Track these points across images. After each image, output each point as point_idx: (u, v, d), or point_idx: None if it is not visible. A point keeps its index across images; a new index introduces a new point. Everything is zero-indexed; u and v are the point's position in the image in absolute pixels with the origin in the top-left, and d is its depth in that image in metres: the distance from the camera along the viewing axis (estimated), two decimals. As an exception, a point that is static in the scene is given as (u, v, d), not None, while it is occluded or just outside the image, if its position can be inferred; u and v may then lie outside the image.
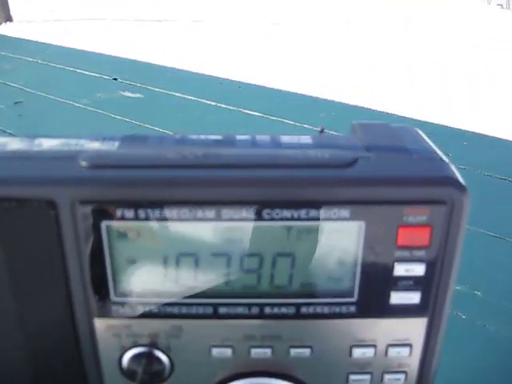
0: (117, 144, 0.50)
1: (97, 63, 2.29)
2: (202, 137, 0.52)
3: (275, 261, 0.48)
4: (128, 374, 0.52)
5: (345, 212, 0.46)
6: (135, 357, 0.51)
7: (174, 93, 1.92)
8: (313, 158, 0.48)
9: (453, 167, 0.47)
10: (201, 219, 0.46)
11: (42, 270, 0.48)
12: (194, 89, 1.94)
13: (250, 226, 0.46)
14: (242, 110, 1.76)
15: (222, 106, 1.79)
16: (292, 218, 0.46)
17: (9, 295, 0.49)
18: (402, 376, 0.53)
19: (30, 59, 2.35)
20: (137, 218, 0.46)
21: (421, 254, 0.47)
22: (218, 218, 0.46)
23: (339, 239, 0.47)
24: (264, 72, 6.94)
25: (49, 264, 0.48)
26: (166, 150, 0.49)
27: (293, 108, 1.82)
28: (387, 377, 0.53)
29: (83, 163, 0.47)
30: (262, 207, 0.45)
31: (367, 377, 0.53)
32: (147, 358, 0.51)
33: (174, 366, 0.52)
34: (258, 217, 0.46)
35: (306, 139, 0.52)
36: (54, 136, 0.52)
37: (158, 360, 0.51)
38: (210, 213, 0.46)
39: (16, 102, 1.83)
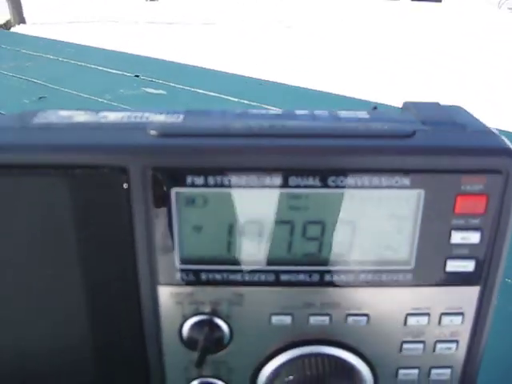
0: (181, 117, 0.52)
1: (117, 61, 2.32)
2: (263, 111, 0.54)
3: (337, 228, 0.49)
4: (188, 342, 0.54)
5: (405, 180, 0.47)
6: (196, 325, 0.53)
7: (196, 89, 1.94)
8: (373, 129, 0.49)
9: (506, 140, 0.49)
10: (268, 186, 0.47)
11: (110, 236, 0.50)
12: (215, 85, 1.96)
13: (315, 193, 0.48)
14: (263, 105, 1.78)
15: (245, 101, 1.81)
16: (356, 186, 0.47)
17: (75, 261, 0.51)
18: (453, 345, 0.54)
19: (51, 57, 2.38)
20: (206, 184, 0.47)
21: (476, 222, 0.49)
22: (285, 185, 0.47)
23: (399, 207, 0.49)
24: (281, 70, 7.01)
25: (117, 230, 0.50)
26: (231, 121, 0.50)
27: (310, 102, 1.84)
28: (439, 346, 0.54)
29: (153, 132, 0.48)
30: (328, 175, 0.47)
31: (420, 346, 0.54)
32: (208, 326, 0.53)
33: (233, 334, 0.54)
34: (324, 184, 0.47)
35: (363, 114, 0.54)
36: (117, 110, 0.54)
37: (218, 328, 0.53)
38: (277, 180, 0.47)
39: (40, 97, 1.86)
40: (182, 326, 0.53)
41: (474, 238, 0.49)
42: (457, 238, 0.49)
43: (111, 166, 0.47)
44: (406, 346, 0.54)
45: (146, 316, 0.53)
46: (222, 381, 0.56)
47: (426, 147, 0.47)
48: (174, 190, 0.48)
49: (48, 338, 0.54)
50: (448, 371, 0.55)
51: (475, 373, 0.56)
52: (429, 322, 0.53)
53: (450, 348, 0.54)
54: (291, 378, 0.52)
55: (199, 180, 0.47)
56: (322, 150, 0.47)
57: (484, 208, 0.48)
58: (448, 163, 0.47)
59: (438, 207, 0.48)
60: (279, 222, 0.49)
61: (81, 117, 0.53)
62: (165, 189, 0.48)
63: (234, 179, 0.47)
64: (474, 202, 0.48)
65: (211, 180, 0.47)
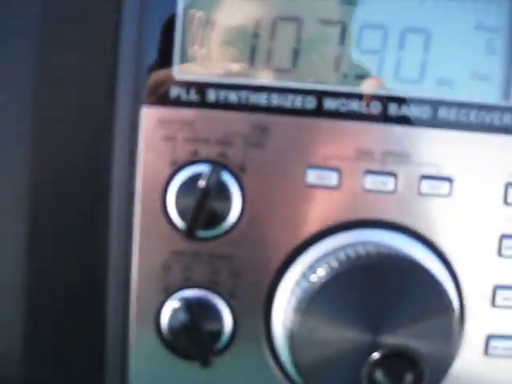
0: None
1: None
2: None
3: (404, 38, 0.35)
4: (178, 210, 0.35)
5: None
6: (190, 182, 0.35)
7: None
8: None
9: None
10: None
11: (90, 17, 0.35)
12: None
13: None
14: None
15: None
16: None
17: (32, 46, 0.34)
18: None
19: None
20: None
21: None
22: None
23: (488, 11, 0.36)
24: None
25: (101, 10, 0.35)
26: None
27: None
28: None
29: None
30: None
31: None
32: (207, 185, 0.34)
33: (247, 203, 0.35)
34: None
35: None
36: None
37: (224, 189, 0.35)
38: None
39: None
40: (168, 182, 0.34)
41: None
42: None
43: None
44: (507, 242, 0.35)
45: (115, 163, 0.35)
46: (220, 296, 0.35)
47: None
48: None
49: None
50: None
51: None
52: None
53: None
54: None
55: None
56: None
57: None
58: None
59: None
60: (325, 21, 0.35)
61: None
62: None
63: None
64: None
65: None
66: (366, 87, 0.35)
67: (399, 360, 0.32)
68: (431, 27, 0.36)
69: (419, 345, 0.33)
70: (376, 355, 0.32)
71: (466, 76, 0.36)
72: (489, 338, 0.36)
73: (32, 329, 0.36)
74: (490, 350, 0.37)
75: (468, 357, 0.37)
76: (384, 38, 0.36)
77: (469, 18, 0.36)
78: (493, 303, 0.36)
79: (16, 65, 0.35)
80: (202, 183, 0.33)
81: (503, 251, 0.36)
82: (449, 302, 0.33)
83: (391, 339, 0.32)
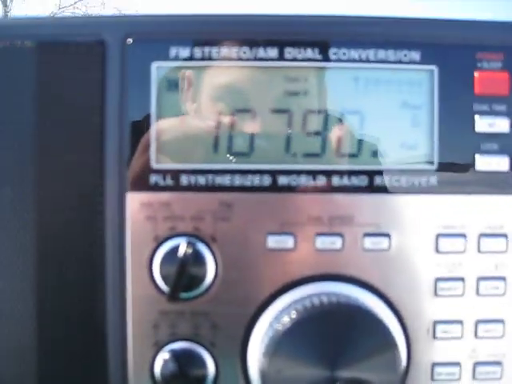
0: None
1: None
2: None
3: (342, 120, 0.43)
4: (163, 276, 0.41)
5: (415, 54, 0.43)
6: (170, 254, 0.41)
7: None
8: None
9: None
10: (262, 59, 0.42)
11: (77, 121, 0.42)
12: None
13: (314, 69, 0.42)
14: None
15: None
16: (360, 60, 0.42)
17: (32, 148, 0.42)
18: (500, 283, 0.43)
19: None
20: (192, 57, 0.42)
21: (502, 106, 0.43)
22: (281, 58, 0.42)
23: (411, 93, 0.43)
24: None
25: (86, 113, 0.42)
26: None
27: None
28: (483, 284, 0.43)
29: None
30: (328, 45, 0.42)
31: (458, 284, 0.42)
32: (185, 256, 0.41)
33: (219, 268, 0.42)
34: (324, 57, 0.42)
35: None
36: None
37: (199, 257, 0.42)
38: (273, 51, 0.42)
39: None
40: (153, 254, 0.42)
41: (502, 125, 0.42)
42: (483, 124, 0.42)
43: (88, 38, 0.42)
44: (441, 284, 0.42)
45: (108, 241, 0.42)
46: (203, 346, 0.42)
47: (437, 19, 0.43)
48: (155, 65, 0.42)
49: None
50: (499, 326, 0.42)
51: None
52: (465, 248, 0.42)
53: (496, 288, 0.42)
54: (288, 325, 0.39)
55: (184, 52, 0.42)
56: (321, 19, 0.43)
57: (507, 88, 0.42)
58: (462, 35, 0.43)
59: (454, 87, 0.42)
60: (275, 110, 0.42)
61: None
62: (144, 62, 0.42)
63: (224, 50, 0.42)
64: (494, 80, 0.42)
65: (198, 52, 0.42)
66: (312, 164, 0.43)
67: (354, 391, 0.39)
68: (364, 109, 0.43)
69: (370, 376, 0.39)
70: None
71: (396, 147, 0.43)
72: (433, 365, 0.43)
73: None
74: (435, 376, 0.43)
75: (417, 383, 0.43)
76: (325, 120, 0.43)
77: (395, 98, 0.43)
78: (434, 336, 0.43)
79: (19, 165, 0.42)
80: (180, 254, 0.40)
81: (438, 292, 0.43)
82: (392, 340, 0.40)
83: (346, 373, 0.39)
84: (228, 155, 0.42)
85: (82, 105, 0.42)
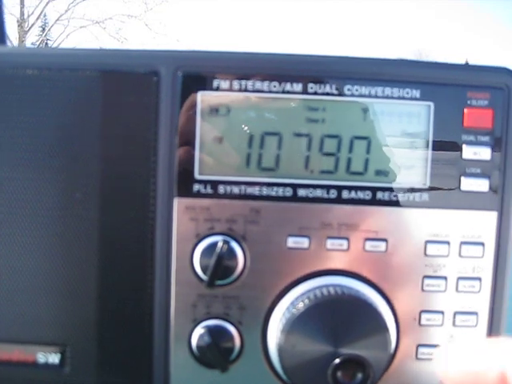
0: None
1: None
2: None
3: (352, 144, 0.52)
4: (201, 267, 0.51)
5: (416, 92, 0.51)
6: (209, 248, 0.51)
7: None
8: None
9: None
10: (289, 92, 0.51)
11: (133, 137, 0.51)
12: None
13: (331, 102, 0.51)
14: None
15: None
16: (369, 95, 0.51)
17: (97, 159, 0.51)
18: (476, 283, 0.52)
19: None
20: (231, 88, 0.51)
21: (486, 137, 0.52)
22: (304, 92, 0.51)
23: (411, 123, 0.52)
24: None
25: (141, 132, 0.51)
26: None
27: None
28: (462, 283, 0.52)
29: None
30: (344, 83, 0.51)
31: (442, 282, 0.52)
32: (221, 251, 0.51)
33: (247, 261, 0.51)
34: (340, 92, 0.51)
35: None
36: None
37: (232, 252, 0.51)
38: (298, 86, 0.51)
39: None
40: (194, 248, 0.51)
41: (485, 153, 0.51)
42: (469, 152, 0.51)
43: (144, 68, 0.51)
44: (427, 281, 0.52)
45: (158, 236, 0.51)
46: (231, 323, 0.52)
47: (436, 62, 0.52)
48: (200, 93, 0.51)
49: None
50: (473, 317, 0.52)
51: (502, 318, 0.52)
52: (449, 253, 0.52)
53: (473, 286, 0.52)
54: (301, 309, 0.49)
55: (225, 84, 0.51)
56: (339, 60, 0.52)
57: (491, 122, 0.51)
58: (455, 77, 0.51)
59: (447, 120, 0.51)
60: (297, 134, 0.52)
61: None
62: (191, 90, 0.51)
63: (257, 84, 0.51)
64: (481, 116, 0.51)
65: (236, 84, 0.51)
66: (327, 180, 0.52)
67: (352, 364, 0.49)
68: (371, 135, 0.52)
69: (365, 353, 0.49)
70: (337, 361, 0.48)
71: (396, 168, 0.52)
72: (418, 346, 0.53)
73: (103, 346, 0.53)
74: (419, 355, 0.53)
75: (404, 361, 0.53)
76: (338, 144, 0.52)
77: (396, 127, 0.52)
78: (419, 323, 0.53)
79: (86, 174, 0.52)
80: (218, 249, 0.50)
81: (425, 287, 0.52)
82: (385, 325, 0.50)
83: (346, 350, 0.49)
84: (258, 171, 0.52)
85: (139, 125, 0.51)
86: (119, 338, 0.52)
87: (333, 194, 0.51)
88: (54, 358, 0.53)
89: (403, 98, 0.51)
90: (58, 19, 10.27)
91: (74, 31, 10.57)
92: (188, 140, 0.51)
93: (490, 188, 0.51)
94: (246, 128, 0.51)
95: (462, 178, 0.51)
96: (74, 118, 0.51)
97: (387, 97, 0.51)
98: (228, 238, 0.51)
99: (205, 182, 0.51)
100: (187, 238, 0.51)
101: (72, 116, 0.51)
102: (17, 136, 0.51)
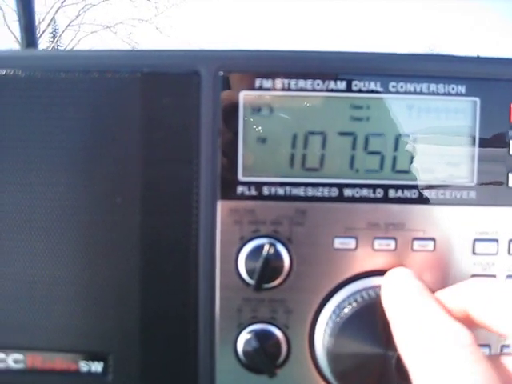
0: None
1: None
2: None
3: (397, 142, 0.51)
4: (247, 270, 0.50)
5: (461, 88, 0.50)
6: (254, 251, 0.50)
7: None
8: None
9: None
10: (332, 90, 0.50)
11: (176, 140, 0.50)
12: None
13: (376, 100, 0.50)
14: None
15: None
16: (414, 92, 0.50)
17: (137, 162, 0.50)
18: None
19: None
20: (273, 87, 0.50)
21: None
22: (348, 90, 0.50)
23: (456, 118, 0.51)
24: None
25: (184, 135, 0.50)
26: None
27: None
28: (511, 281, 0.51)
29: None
30: (388, 79, 0.50)
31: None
32: (268, 254, 0.50)
33: (293, 263, 0.50)
34: (384, 89, 0.50)
35: None
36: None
37: (278, 255, 0.50)
38: (342, 84, 0.50)
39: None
40: (239, 251, 0.50)
41: None
42: None
43: (186, 69, 0.50)
44: None
45: (201, 240, 0.50)
46: (278, 327, 0.51)
47: (481, 57, 0.51)
48: (242, 93, 0.50)
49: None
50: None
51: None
52: (498, 251, 0.51)
53: None
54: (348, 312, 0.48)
55: (267, 83, 0.50)
56: (383, 56, 0.51)
57: (538, 118, 0.50)
58: (501, 72, 0.50)
59: (494, 116, 0.50)
60: (341, 133, 0.51)
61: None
62: (234, 91, 0.50)
63: (301, 82, 0.50)
64: (527, 111, 0.50)
65: (278, 83, 0.50)
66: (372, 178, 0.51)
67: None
68: (416, 132, 0.51)
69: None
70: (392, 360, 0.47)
71: (442, 165, 0.51)
72: None
73: (146, 353, 0.52)
74: None
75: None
76: (383, 142, 0.51)
77: (442, 124, 0.51)
78: None
79: (127, 177, 0.51)
80: (264, 252, 0.49)
81: None
82: None
83: (394, 352, 0.48)
84: (302, 172, 0.51)
85: (180, 126, 0.50)
86: (163, 344, 0.51)
87: (379, 193, 0.50)
88: (96, 367, 0.52)
89: (448, 94, 0.50)
90: (68, 25, 10.30)
91: (85, 36, 10.62)
92: (231, 141, 0.50)
93: None
94: (289, 127, 0.50)
95: (510, 175, 0.50)
96: (114, 121, 0.50)
97: (432, 93, 0.50)
98: (273, 241, 0.50)
99: (249, 184, 0.50)
100: (231, 242, 0.50)
101: (111, 119, 0.50)
102: (55, 141, 0.50)
